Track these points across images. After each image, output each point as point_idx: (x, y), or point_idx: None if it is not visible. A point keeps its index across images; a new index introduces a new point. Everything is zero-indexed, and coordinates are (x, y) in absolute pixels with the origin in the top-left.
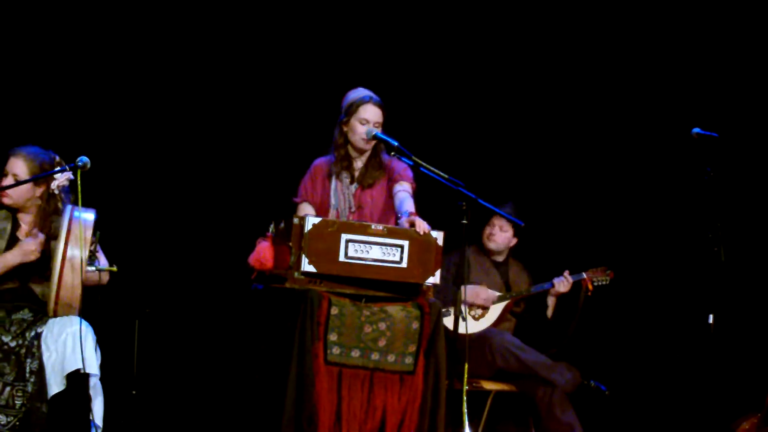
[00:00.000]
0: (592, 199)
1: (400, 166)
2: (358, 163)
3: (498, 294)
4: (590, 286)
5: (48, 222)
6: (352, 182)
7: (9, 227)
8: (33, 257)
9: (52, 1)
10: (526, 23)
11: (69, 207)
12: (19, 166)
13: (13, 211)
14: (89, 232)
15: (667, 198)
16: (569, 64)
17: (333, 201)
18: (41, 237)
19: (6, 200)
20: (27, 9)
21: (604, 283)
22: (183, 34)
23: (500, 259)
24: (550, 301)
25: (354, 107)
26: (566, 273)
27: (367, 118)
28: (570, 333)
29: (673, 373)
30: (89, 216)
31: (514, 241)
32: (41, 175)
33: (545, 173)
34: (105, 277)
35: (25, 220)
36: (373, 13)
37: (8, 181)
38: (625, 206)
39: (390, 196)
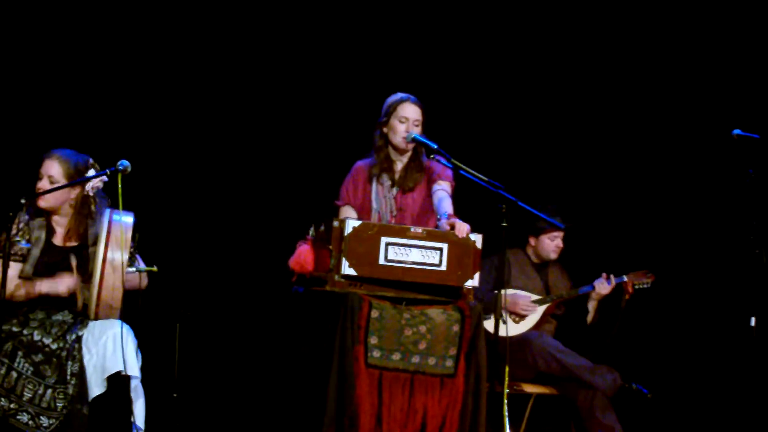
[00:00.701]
0: (632, 202)
1: (439, 166)
2: (399, 166)
3: (537, 297)
4: (630, 289)
5: (83, 224)
6: (393, 185)
7: (43, 235)
8: (62, 293)
9: (93, 4)
10: (565, 25)
11: (108, 210)
12: (54, 169)
13: (48, 217)
14: (129, 235)
15: (708, 200)
16: (609, 65)
17: (375, 204)
18: (77, 283)
19: (42, 203)
20: (66, 14)
21: (645, 286)
22: (222, 37)
23: (539, 261)
24: (591, 305)
25: (393, 107)
26: (604, 275)
27: (407, 116)
28: (612, 336)
29: (716, 377)
30: (128, 218)
31: None
32: (79, 180)
33: (585, 176)
34: (144, 282)
35: (61, 224)
36: (411, 16)
37: (44, 183)
38: (666, 209)
39: (430, 198)
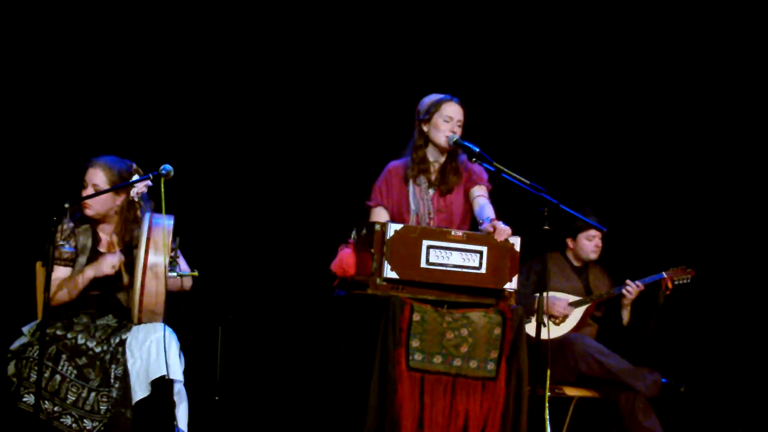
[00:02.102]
0: (671, 198)
1: (477, 169)
2: (435, 166)
3: (575, 299)
4: (670, 285)
5: (129, 230)
6: (429, 186)
7: (90, 242)
8: (108, 271)
9: (135, 12)
10: (602, 25)
11: (147, 214)
12: (99, 177)
13: (93, 225)
14: (169, 238)
15: (750, 198)
16: (646, 64)
17: (413, 206)
18: (122, 256)
19: (89, 211)
20: (108, 21)
21: (684, 282)
22: (261, 42)
23: (579, 264)
24: (624, 311)
25: (436, 106)
26: (627, 282)
27: (451, 115)
28: (650, 333)
29: (759, 377)
30: (168, 222)
31: None
32: (123, 185)
33: (624, 172)
34: (187, 283)
35: (106, 230)
36: (446, 16)
37: (89, 191)
38: (708, 206)
39: (467, 199)
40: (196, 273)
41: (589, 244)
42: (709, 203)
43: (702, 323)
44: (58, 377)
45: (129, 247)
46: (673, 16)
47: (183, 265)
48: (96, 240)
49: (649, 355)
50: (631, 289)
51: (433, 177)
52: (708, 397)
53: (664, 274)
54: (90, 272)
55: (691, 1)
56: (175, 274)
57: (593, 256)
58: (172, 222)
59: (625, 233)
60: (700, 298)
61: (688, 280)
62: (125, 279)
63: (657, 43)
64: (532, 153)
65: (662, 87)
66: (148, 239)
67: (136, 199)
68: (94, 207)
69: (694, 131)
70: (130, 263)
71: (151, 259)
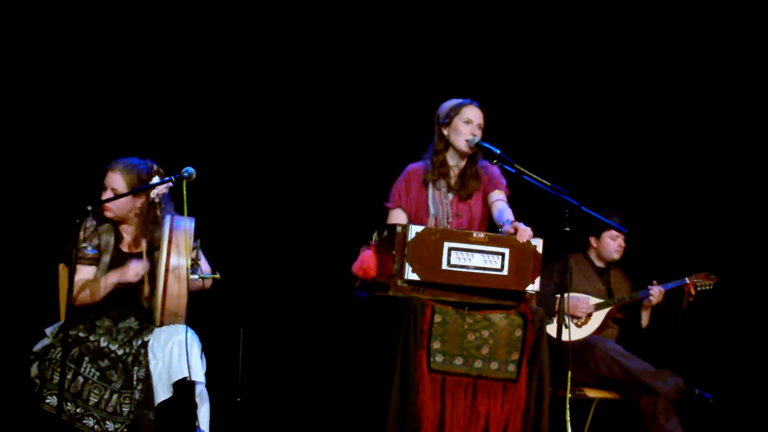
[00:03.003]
0: (694, 203)
1: (495, 173)
2: (455, 170)
3: (597, 301)
4: (692, 291)
5: (150, 231)
6: (449, 191)
7: (112, 241)
8: (132, 280)
9: (156, 16)
10: (630, 26)
11: (168, 217)
12: (117, 181)
13: (115, 224)
14: (190, 241)
15: None
16: (670, 65)
17: (432, 210)
18: (146, 264)
19: (108, 214)
20: (129, 23)
21: (707, 288)
22: (282, 46)
23: (602, 265)
24: (644, 312)
25: (456, 110)
26: (655, 283)
27: (471, 118)
28: (672, 338)
29: None
30: (189, 224)
31: None
32: (142, 188)
33: (646, 176)
34: (208, 282)
35: (128, 231)
36: (465, 18)
37: (108, 195)
38: (730, 211)
39: (485, 204)
40: (218, 276)
41: (613, 243)
42: (732, 209)
43: (724, 328)
44: (80, 379)
45: (150, 248)
46: (708, 16)
47: (205, 266)
48: (118, 238)
49: (671, 359)
50: (655, 293)
51: (452, 181)
52: (729, 401)
53: (687, 280)
54: (113, 278)
55: (724, 2)
56: (197, 276)
57: (616, 256)
58: (193, 224)
59: (649, 236)
60: (723, 303)
61: (711, 287)
62: (146, 289)
63: (684, 47)
64: (555, 155)
65: (688, 90)
66: (169, 242)
67: (157, 201)
68: (114, 210)
69: (720, 135)
70: (152, 270)
71: (173, 261)
